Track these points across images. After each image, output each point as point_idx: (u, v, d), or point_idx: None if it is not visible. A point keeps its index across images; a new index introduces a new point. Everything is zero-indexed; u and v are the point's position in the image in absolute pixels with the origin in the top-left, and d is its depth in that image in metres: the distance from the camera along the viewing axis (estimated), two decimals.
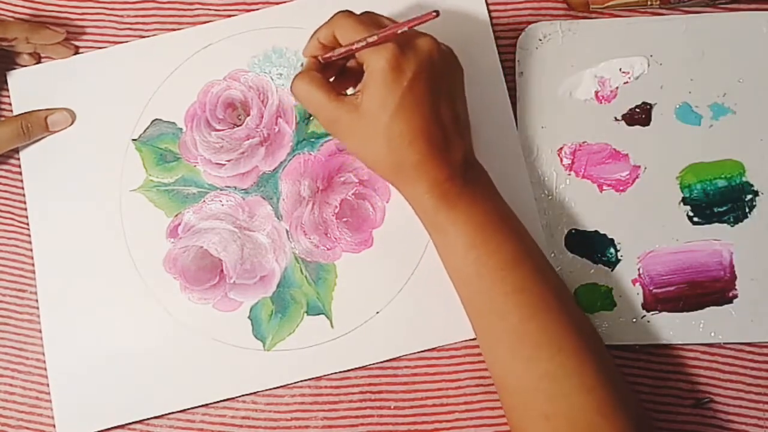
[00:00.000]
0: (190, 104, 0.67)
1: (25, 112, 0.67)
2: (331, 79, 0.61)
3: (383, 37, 0.55)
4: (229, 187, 0.66)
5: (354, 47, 0.56)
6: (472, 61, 0.66)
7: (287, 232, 0.65)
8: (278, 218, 0.66)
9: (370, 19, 0.57)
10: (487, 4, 0.68)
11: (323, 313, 0.64)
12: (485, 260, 0.56)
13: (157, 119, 0.67)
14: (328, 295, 0.64)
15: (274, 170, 0.66)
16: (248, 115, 0.67)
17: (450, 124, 0.57)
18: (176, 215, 0.66)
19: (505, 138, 0.66)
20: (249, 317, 0.64)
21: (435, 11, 0.53)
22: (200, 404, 0.64)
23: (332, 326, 0.64)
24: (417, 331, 0.64)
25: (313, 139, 0.66)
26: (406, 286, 0.64)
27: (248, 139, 0.67)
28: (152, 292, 0.65)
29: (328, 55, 0.59)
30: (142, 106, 0.67)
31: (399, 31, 0.54)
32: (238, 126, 0.67)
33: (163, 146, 0.67)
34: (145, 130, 0.67)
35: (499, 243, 0.57)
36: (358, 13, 0.58)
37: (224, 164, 0.67)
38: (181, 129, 0.67)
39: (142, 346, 0.64)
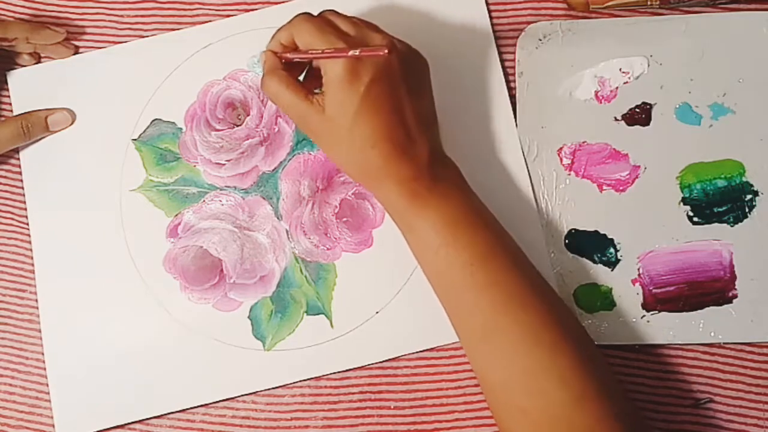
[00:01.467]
0: (189, 104, 0.67)
1: (25, 112, 0.67)
2: (301, 77, 0.62)
3: (333, 56, 0.55)
4: (228, 186, 0.66)
5: (309, 55, 0.57)
6: (473, 61, 0.66)
7: (287, 231, 0.66)
8: (278, 218, 0.66)
9: (329, 24, 0.58)
10: (488, 4, 0.68)
11: (323, 313, 0.64)
12: (456, 256, 0.56)
13: (156, 119, 0.67)
14: (327, 295, 0.64)
15: (273, 170, 0.66)
16: (248, 115, 0.67)
17: (413, 123, 0.57)
18: (176, 215, 0.66)
19: (505, 138, 0.66)
20: (249, 317, 0.64)
21: (387, 49, 0.53)
22: (200, 404, 0.64)
23: (332, 326, 0.64)
24: (417, 331, 0.64)
25: None
26: (406, 285, 0.64)
27: (248, 139, 0.67)
28: (152, 291, 0.65)
29: (288, 56, 0.59)
30: (141, 106, 0.67)
31: (349, 54, 0.54)
32: (238, 126, 0.67)
33: (162, 146, 0.67)
34: (144, 130, 0.67)
35: (469, 238, 0.56)
36: (345, 13, 0.59)
37: (224, 164, 0.67)
38: (180, 129, 0.67)
39: (142, 346, 0.64)
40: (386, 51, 0.53)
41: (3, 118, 0.68)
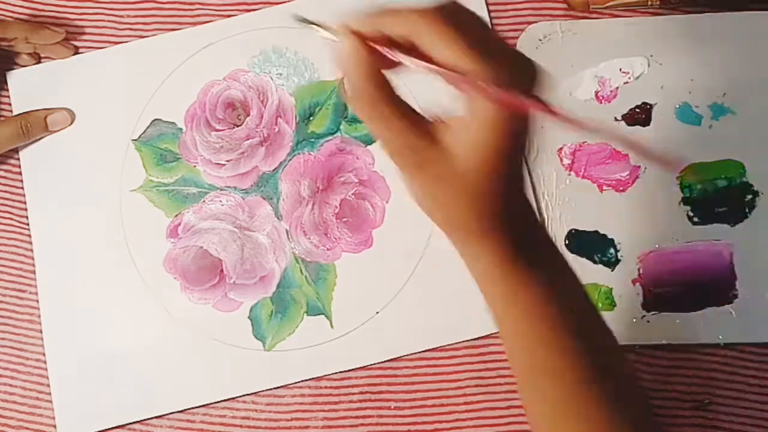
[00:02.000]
0: (189, 104, 0.67)
1: (25, 112, 0.67)
2: None
3: (498, 100, 0.39)
4: (229, 187, 0.66)
5: (445, 72, 0.40)
6: None
7: (287, 232, 0.66)
8: (278, 218, 0.66)
9: (461, 33, 0.40)
10: (487, 4, 0.67)
11: (323, 314, 0.64)
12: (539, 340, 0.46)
13: (156, 119, 0.67)
14: (328, 296, 0.64)
15: (274, 170, 0.66)
16: (248, 115, 0.67)
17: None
18: (176, 215, 0.66)
19: None
20: (249, 317, 0.64)
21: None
22: (201, 404, 0.64)
23: (332, 326, 0.64)
24: (417, 331, 0.64)
25: (312, 139, 0.66)
26: (406, 286, 0.64)
27: (248, 139, 0.67)
28: (152, 292, 0.65)
29: (389, 52, 0.41)
30: (141, 106, 0.67)
31: (523, 107, 0.40)
32: (238, 126, 0.67)
33: (163, 146, 0.67)
34: (144, 130, 0.67)
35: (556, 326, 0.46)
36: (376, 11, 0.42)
37: (224, 164, 0.67)
38: (181, 129, 0.67)
39: (143, 346, 0.64)
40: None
41: (2, 118, 0.68)
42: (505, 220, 0.44)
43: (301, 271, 0.65)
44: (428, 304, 0.62)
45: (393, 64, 0.42)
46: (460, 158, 0.41)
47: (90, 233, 0.66)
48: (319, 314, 0.64)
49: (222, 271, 0.65)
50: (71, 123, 0.67)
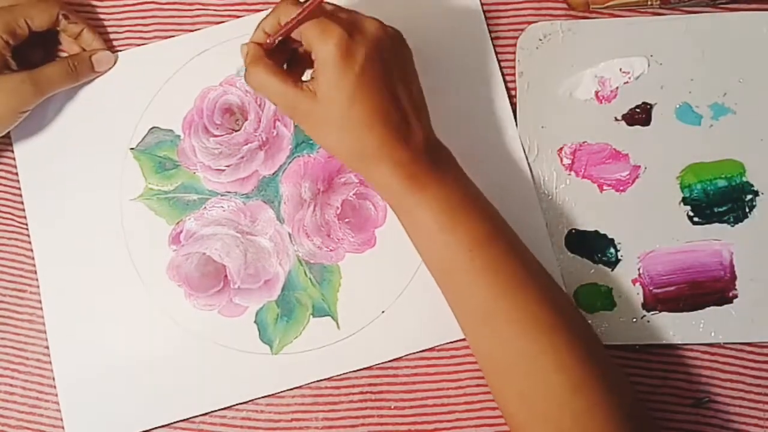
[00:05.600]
0: (187, 111, 0.67)
1: (71, 55, 0.67)
2: (284, 66, 0.60)
3: (309, 11, 0.54)
4: (229, 192, 0.66)
5: (289, 25, 0.55)
6: (470, 61, 0.66)
7: (290, 235, 0.65)
8: (280, 221, 0.66)
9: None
10: (482, 4, 0.67)
11: (329, 315, 0.64)
12: (455, 240, 0.56)
13: (154, 127, 0.67)
14: (333, 297, 0.64)
15: (274, 174, 0.66)
16: (246, 120, 0.67)
17: (407, 106, 0.56)
18: (177, 223, 0.66)
19: (505, 138, 0.66)
20: (255, 322, 0.64)
21: None
22: (210, 411, 0.64)
23: (338, 327, 0.64)
24: (424, 328, 0.64)
25: (312, 141, 0.66)
26: (411, 283, 0.64)
27: (247, 144, 0.66)
28: (157, 300, 0.65)
29: (269, 39, 0.57)
30: (138, 114, 0.67)
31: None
32: (236, 131, 0.67)
33: (161, 154, 0.67)
34: (142, 139, 0.67)
35: (468, 222, 0.56)
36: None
37: (224, 170, 0.66)
38: (179, 136, 0.67)
39: (149, 355, 0.64)
40: None
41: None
42: (386, 143, 0.55)
43: (305, 273, 0.65)
44: (433, 300, 0.62)
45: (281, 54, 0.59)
46: (322, 98, 0.55)
47: (91, 244, 0.66)
48: (325, 315, 0.64)
49: (226, 276, 0.65)
50: (114, 63, 0.67)
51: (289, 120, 0.66)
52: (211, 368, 0.64)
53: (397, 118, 0.56)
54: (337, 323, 0.64)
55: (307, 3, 0.54)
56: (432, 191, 0.56)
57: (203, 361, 0.64)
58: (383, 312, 0.64)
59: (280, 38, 0.57)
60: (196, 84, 0.67)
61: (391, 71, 0.56)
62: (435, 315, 0.63)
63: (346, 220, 0.65)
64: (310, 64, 0.57)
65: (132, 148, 0.67)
